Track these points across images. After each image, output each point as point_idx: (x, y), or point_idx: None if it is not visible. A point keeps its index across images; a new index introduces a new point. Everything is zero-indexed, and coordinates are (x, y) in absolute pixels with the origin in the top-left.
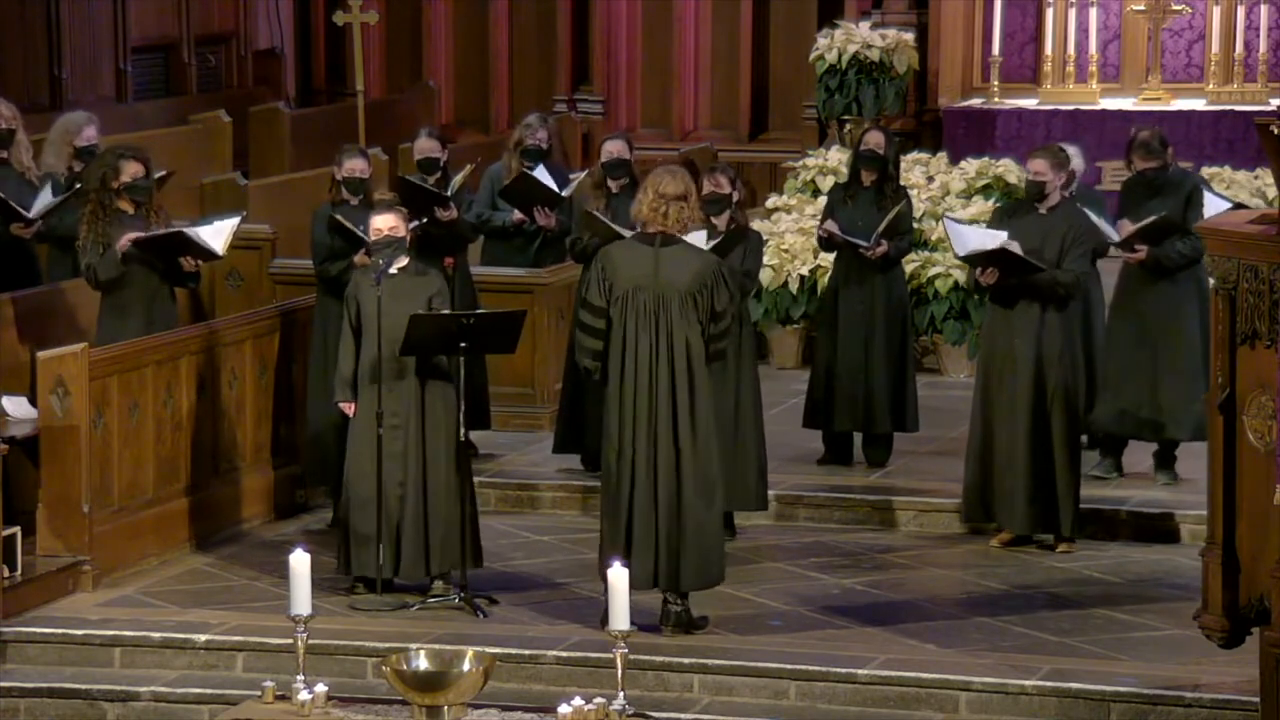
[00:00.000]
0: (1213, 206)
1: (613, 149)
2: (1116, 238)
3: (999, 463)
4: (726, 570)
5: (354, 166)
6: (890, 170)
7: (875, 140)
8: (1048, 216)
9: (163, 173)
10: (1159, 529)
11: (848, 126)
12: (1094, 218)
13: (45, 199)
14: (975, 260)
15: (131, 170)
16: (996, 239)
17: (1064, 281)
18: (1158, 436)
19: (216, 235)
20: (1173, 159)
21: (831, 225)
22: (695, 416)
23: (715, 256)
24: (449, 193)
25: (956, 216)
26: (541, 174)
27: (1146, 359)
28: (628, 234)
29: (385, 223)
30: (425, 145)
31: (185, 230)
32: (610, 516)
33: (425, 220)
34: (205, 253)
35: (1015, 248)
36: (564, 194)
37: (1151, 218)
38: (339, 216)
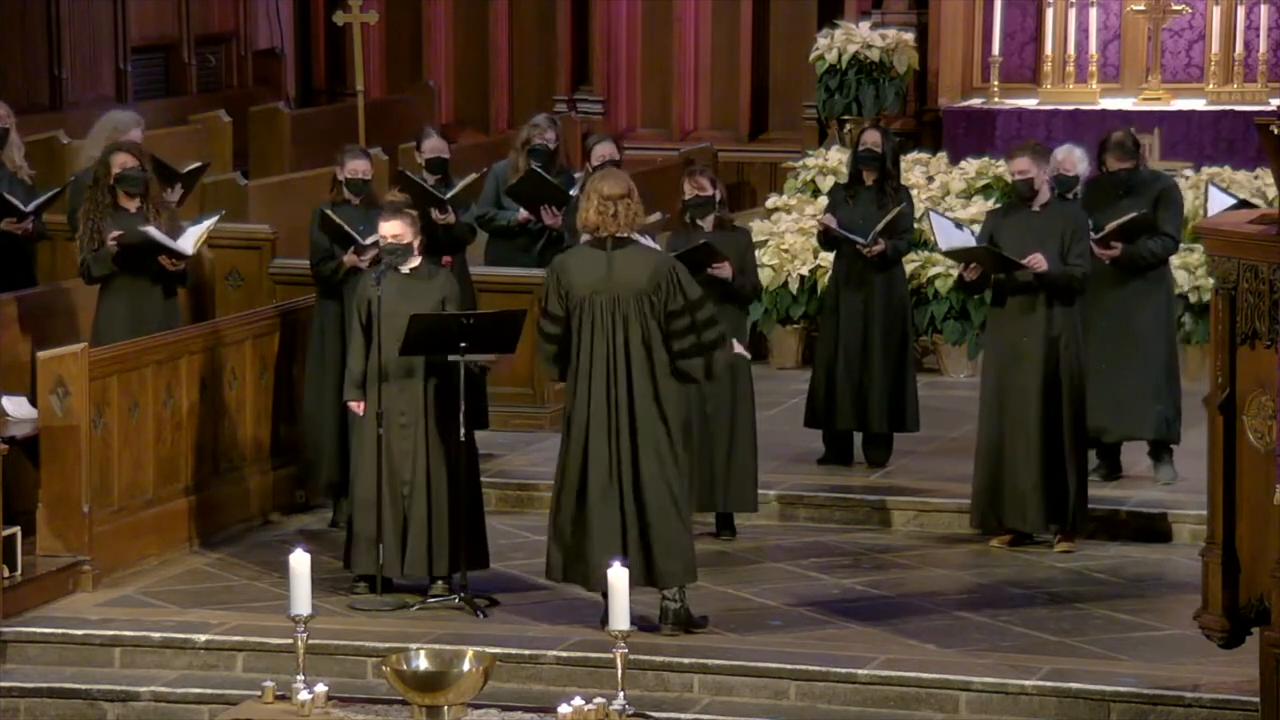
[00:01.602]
0: (1217, 203)
1: (604, 152)
2: (1093, 234)
3: (1013, 463)
4: (727, 570)
5: (357, 167)
6: (890, 168)
7: (872, 139)
8: (1041, 214)
9: (198, 164)
10: (1159, 529)
11: (848, 126)
12: None
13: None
14: (958, 255)
15: (120, 161)
16: (968, 241)
17: (1077, 276)
18: (1123, 436)
19: (190, 236)
20: (1144, 160)
21: (829, 219)
22: (655, 416)
23: (670, 256)
24: (448, 196)
25: (942, 212)
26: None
27: (1114, 356)
28: None
29: (391, 229)
30: (436, 144)
31: (149, 232)
32: (564, 515)
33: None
34: (175, 252)
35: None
36: (573, 193)
37: (1131, 214)
38: (329, 212)
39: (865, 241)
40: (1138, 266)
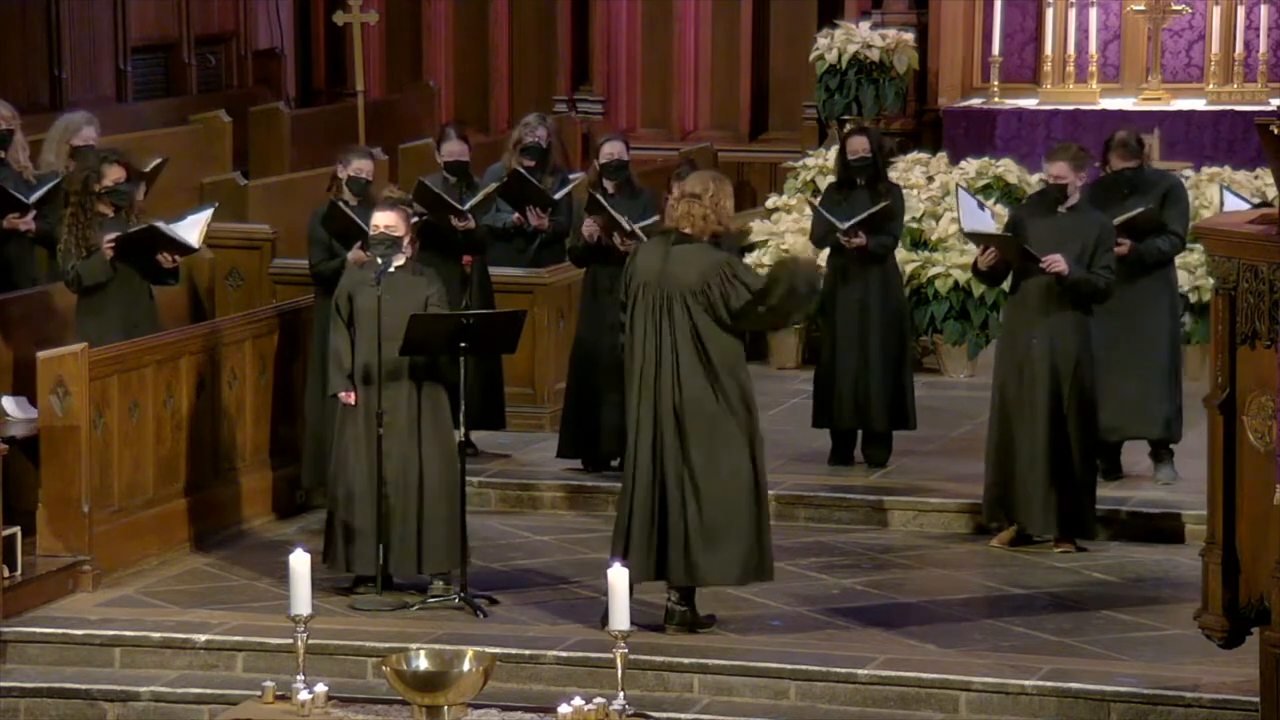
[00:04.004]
0: (1231, 208)
1: (612, 151)
2: None
3: (1019, 464)
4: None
5: (361, 167)
6: (881, 169)
7: (861, 146)
8: (1068, 216)
9: (159, 160)
10: (1159, 529)
11: (847, 126)
12: None
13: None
14: (980, 239)
15: (114, 175)
16: (989, 221)
17: (1100, 287)
18: (1132, 435)
19: (191, 228)
20: (1148, 159)
21: (821, 211)
22: (699, 413)
23: (724, 255)
24: (468, 205)
25: (970, 191)
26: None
27: (1120, 356)
28: (626, 222)
29: (384, 220)
30: (455, 148)
31: (158, 225)
32: (618, 512)
33: (425, 217)
34: (181, 246)
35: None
36: (556, 196)
37: (1138, 209)
38: (342, 205)
39: (845, 230)
40: (1145, 265)
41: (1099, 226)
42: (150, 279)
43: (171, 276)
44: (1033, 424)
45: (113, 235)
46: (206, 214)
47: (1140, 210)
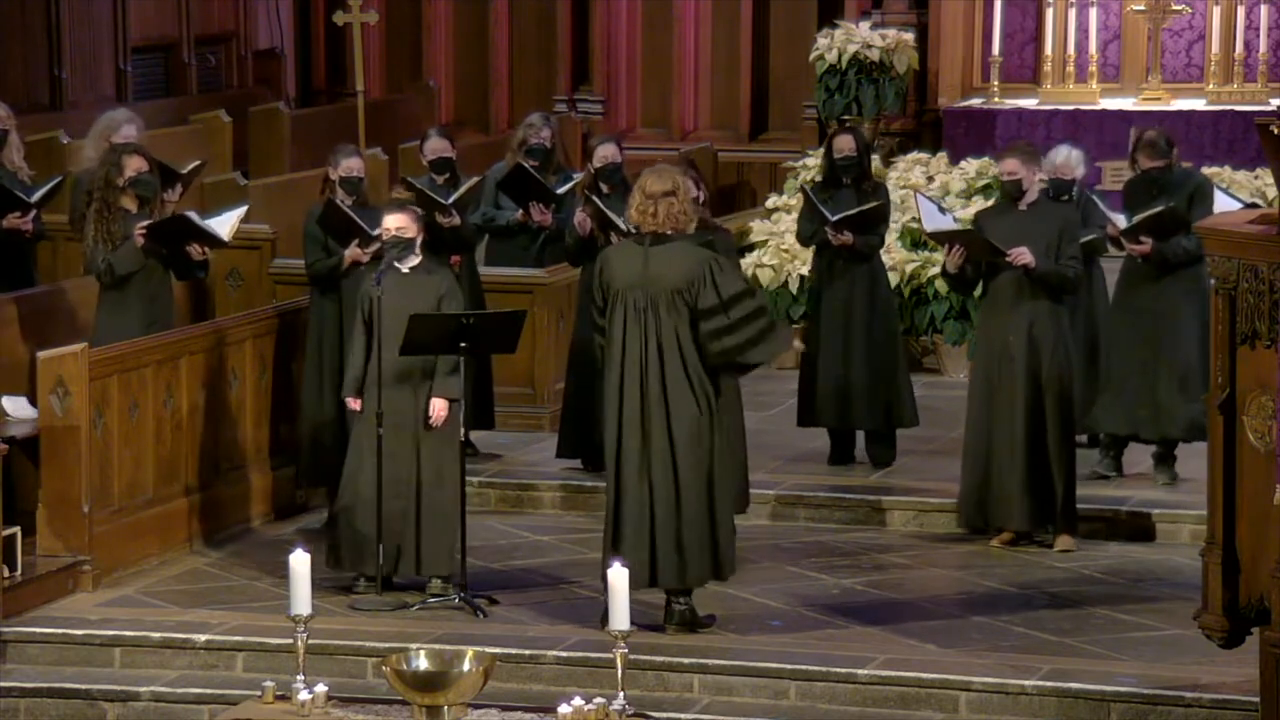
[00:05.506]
0: (1223, 207)
1: (606, 154)
2: (1123, 224)
3: (998, 461)
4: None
5: (352, 165)
6: (867, 169)
7: (847, 145)
8: (1028, 213)
9: (196, 163)
10: (1159, 529)
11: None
12: (1102, 208)
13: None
14: (943, 237)
15: (134, 165)
16: (951, 224)
17: (1069, 277)
18: (1158, 435)
19: (223, 224)
20: (1177, 159)
21: (813, 199)
22: (690, 413)
23: (709, 254)
24: (451, 200)
25: (928, 194)
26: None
27: (1148, 357)
28: (622, 222)
29: (395, 222)
30: (437, 145)
31: (189, 215)
32: (609, 515)
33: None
34: (211, 239)
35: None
36: (559, 191)
37: (1158, 207)
38: (339, 202)
39: (833, 222)
40: (1170, 264)
41: (1061, 220)
42: (179, 272)
43: (201, 269)
44: (1011, 416)
45: (145, 223)
46: (239, 211)
47: (1159, 209)
